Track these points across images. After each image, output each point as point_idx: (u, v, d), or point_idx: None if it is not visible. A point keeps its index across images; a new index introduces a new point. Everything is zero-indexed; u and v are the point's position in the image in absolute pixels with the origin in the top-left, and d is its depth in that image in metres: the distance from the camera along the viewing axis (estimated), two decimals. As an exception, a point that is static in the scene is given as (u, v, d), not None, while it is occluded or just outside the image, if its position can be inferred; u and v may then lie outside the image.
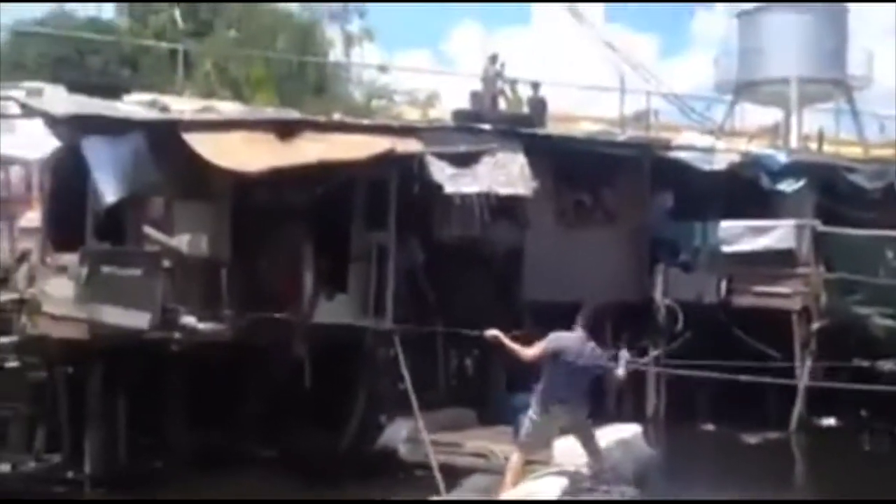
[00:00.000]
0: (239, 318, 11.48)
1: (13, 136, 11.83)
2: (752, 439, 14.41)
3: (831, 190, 16.17)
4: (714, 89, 30.25)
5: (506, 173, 13.25)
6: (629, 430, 11.18)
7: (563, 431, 9.52)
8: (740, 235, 15.48)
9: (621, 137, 17.03)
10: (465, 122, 14.43)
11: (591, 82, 36.22)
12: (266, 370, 12.47)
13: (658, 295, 15.41)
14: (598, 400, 10.84)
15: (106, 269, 10.91)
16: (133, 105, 12.78)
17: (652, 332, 15.19)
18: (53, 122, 11.35)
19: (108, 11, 24.09)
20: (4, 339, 11.30)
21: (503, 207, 13.34)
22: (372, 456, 11.90)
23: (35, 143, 11.58)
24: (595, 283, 14.38)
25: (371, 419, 12.46)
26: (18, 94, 12.15)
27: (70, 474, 11.17)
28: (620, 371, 9.48)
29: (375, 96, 25.23)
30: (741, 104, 29.56)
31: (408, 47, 60.18)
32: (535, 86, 16.44)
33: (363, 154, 11.99)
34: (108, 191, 11.06)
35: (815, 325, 14.93)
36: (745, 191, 15.80)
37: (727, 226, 15.53)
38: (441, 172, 12.69)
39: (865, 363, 14.25)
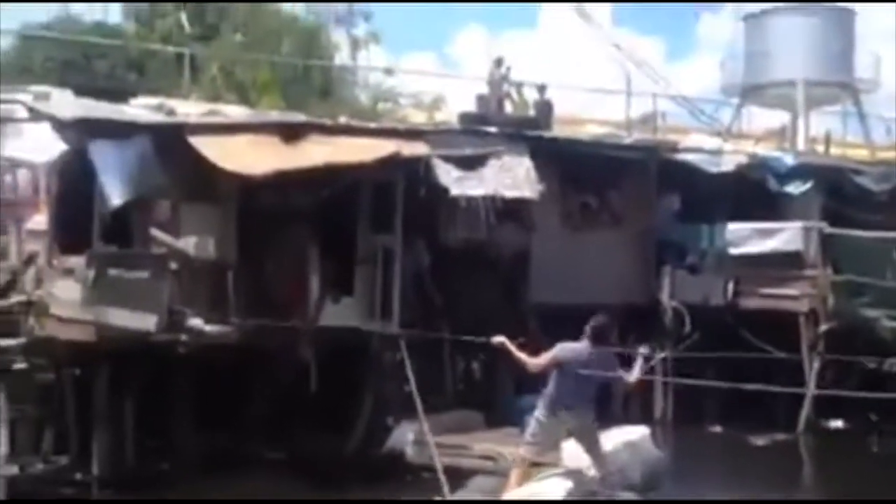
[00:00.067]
0: (245, 321, 11.48)
1: (20, 140, 11.88)
2: (759, 441, 14.38)
3: (838, 192, 16.16)
4: (720, 92, 30.29)
5: (512, 176, 13.26)
6: (637, 432, 11.15)
7: (570, 434, 9.53)
8: (747, 238, 15.48)
9: (627, 140, 17.03)
10: (471, 125, 14.45)
11: (598, 85, 36.24)
12: (272, 372, 12.47)
13: (665, 297, 15.41)
14: (606, 403, 10.85)
15: (113, 271, 10.93)
16: (139, 108, 12.81)
17: (659, 335, 15.15)
18: (60, 125, 11.39)
19: (114, 16, 24.16)
20: (12, 342, 11.31)
21: (509, 210, 13.34)
22: (379, 459, 11.89)
23: (42, 146, 11.61)
24: (601, 285, 14.40)
25: (378, 422, 12.46)
26: (26, 97, 12.18)
27: (77, 476, 11.17)
28: (633, 375, 9.51)
29: (381, 99, 25.25)
30: (748, 107, 29.56)
31: (413, 50, 60.34)
32: (542, 89, 16.44)
33: (369, 157, 11.99)
34: (115, 193, 11.09)
35: (823, 328, 14.92)
36: (752, 193, 15.80)
37: (734, 228, 15.53)
38: (447, 175, 12.69)
39: (873, 365, 14.20)
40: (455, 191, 12.71)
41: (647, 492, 10.17)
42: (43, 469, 11.32)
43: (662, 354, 14.49)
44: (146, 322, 10.76)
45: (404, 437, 11.90)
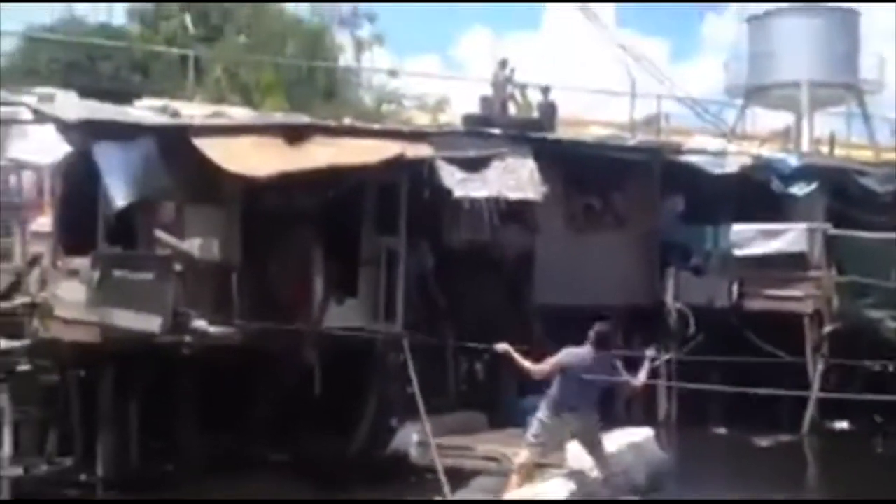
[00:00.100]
0: (249, 323, 11.49)
1: (25, 142, 11.90)
2: (764, 443, 14.37)
3: (843, 193, 16.14)
4: (724, 93, 30.20)
5: (515, 178, 13.27)
6: (641, 434, 11.17)
7: (573, 436, 9.54)
8: (752, 239, 15.46)
9: (631, 141, 17.01)
10: (475, 126, 14.45)
11: (602, 86, 36.10)
12: (276, 374, 12.47)
13: (669, 299, 15.41)
14: (609, 404, 10.85)
15: (117, 272, 10.95)
16: (144, 110, 12.83)
17: (663, 337, 15.15)
18: (65, 127, 11.41)
19: (119, 17, 24.19)
20: (16, 343, 11.34)
21: (513, 212, 13.34)
22: (382, 460, 11.89)
23: (47, 148, 11.63)
24: (605, 287, 14.40)
25: (382, 423, 12.46)
26: (30, 99, 12.21)
27: (82, 477, 11.19)
28: (638, 379, 9.54)
29: (385, 101, 25.24)
30: (752, 108, 29.50)
31: (417, 52, 60.22)
32: (546, 90, 16.43)
33: (373, 158, 12.00)
34: (119, 195, 11.11)
35: (827, 329, 14.91)
36: (757, 194, 15.77)
37: (738, 229, 15.51)
38: (451, 177, 12.70)
39: (878, 366, 14.18)
40: (459, 192, 12.72)
41: (652, 493, 10.18)
42: (47, 470, 11.35)
43: (667, 357, 14.50)
44: (150, 323, 10.77)
45: (408, 438, 11.89)
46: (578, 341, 9.39)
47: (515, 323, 13.41)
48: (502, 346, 9.55)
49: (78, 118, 11.34)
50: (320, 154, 11.87)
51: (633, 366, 9.74)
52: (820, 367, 14.73)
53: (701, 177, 15.64)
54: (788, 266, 15.24)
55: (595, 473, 9.47)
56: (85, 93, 12.75)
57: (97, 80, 18.67)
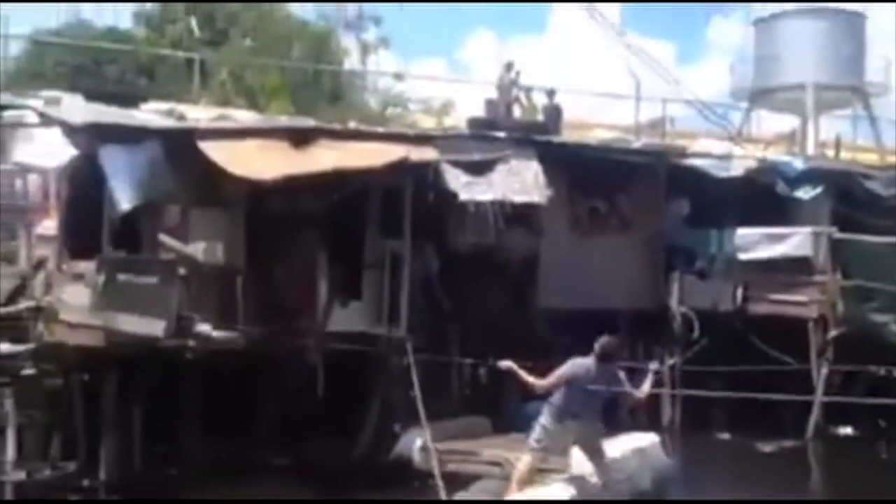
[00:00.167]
0: (253, 327, 11.49)
1: (31, 145, 11.92)
2: (768, 448, 14.34)
3: (848, 197, 16.10)
4: (730, 96, 30.16)
5: (520, 181, 13.27)
6: (646, 440, 11.17)
7: (575, 442, 9.56)
8: (756, 243, 15.43)
9: (636, 144, 17.00)
10: (480, 129, 14.46)
11: (607, 89, 36.10)
12: (280, 378, 12.48)
13: (674, 302, 15.39)
14: (613, 411, 10.84)
15: (122, 276, 10.96)
16: (149, 114, 12.85)
17: (667, 340, 15.14)
18: (71, 130, 11.43)
19: (125, 21, 24.24)
20: (21, 347, 11.35)
21: (518, 215, 13.34)
22: (386, 465, 11.87)
23: (53, 151, 11.64)
24: (610, 290, 14.40)
25: (385, 428, 12.45)
26: (37, 103, 12.24)
27: (85, 482, 11.20)
28: (642, 391, 9.56)
29: (390, 104, 25.24)
30: (757, 111, 29.45)
31: (423, 55, 60.38)
32: (551, 93, 16.43)
33: (378, 162, 12.01)
34: (125, 198, 11.12)
35: (832, 333, 14.88)
36: (762, 198, 15.74)
37: (743, 233, 15.49)
38: (456, 180, 12.71)
39: (883, 371, 14.15)
40: (464, 196, 12.73)
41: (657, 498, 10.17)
42: (51, 474, 11.37)
43: (671, 362, 14.50)
44: (155, 327, 10.79)
45: (412, 443, 11.87)
46: (582, 345, 9.41)
47: (520, 326, 13.41)
48: (506, 364, 9.62)
49: (84, 121, 11.36)
50: (325, 157, 11.88)
51: (637, 375, 9.77)
52: (824, 371, 14.70)
53: (706, 180, 15.61)
54: (793, 270, 15.21)
55: (595, 479, 9.49)
56: (91, 96, 12.80)
57: (103, 83, 18.67)
